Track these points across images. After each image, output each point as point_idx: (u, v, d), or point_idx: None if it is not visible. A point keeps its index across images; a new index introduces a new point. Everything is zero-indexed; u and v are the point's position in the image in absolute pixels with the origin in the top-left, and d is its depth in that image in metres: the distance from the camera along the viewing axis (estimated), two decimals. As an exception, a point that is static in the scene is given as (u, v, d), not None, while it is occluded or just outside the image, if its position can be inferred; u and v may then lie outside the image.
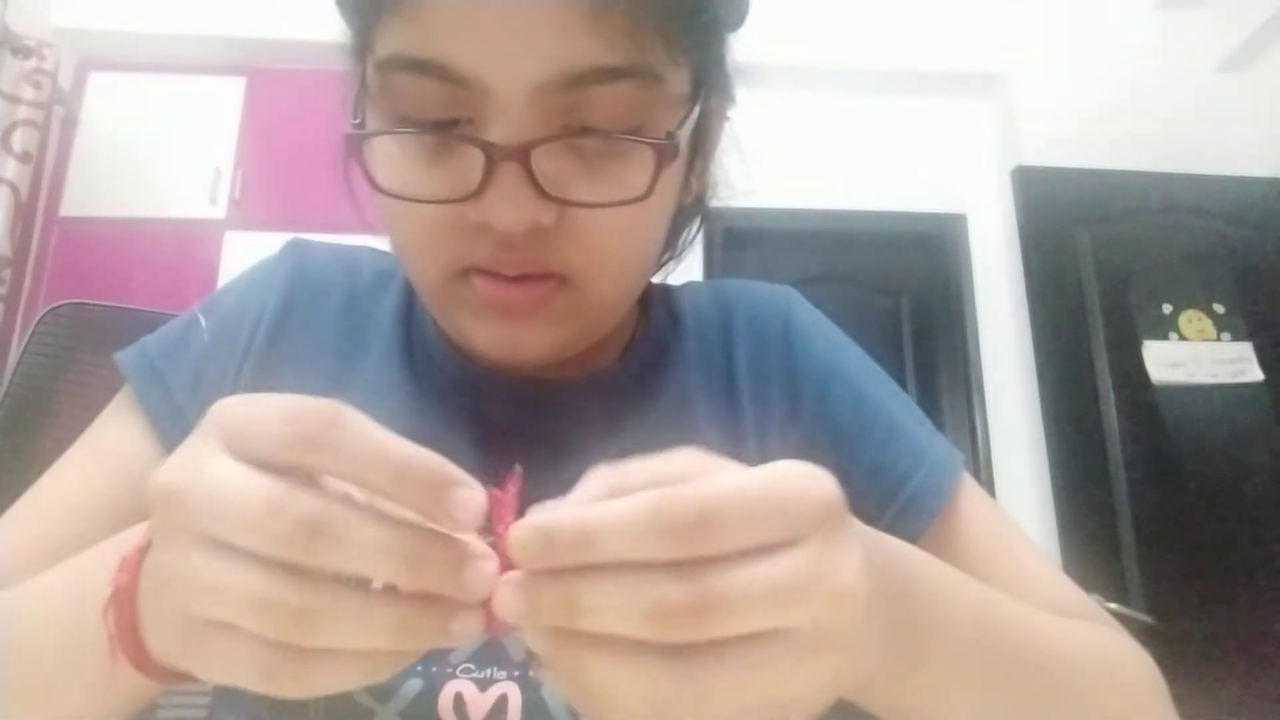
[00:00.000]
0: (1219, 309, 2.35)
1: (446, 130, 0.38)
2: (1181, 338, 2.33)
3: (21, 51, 2.25)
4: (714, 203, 0.55)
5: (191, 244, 2.40)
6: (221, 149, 2.50)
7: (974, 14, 2.67)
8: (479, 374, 0.49)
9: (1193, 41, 2.63)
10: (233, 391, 0.48)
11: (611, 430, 0.49)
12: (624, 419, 0.50)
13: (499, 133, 0.37)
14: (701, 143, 0.47)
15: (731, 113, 0.51)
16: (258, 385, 0.49)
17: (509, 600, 0.24)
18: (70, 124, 2.47)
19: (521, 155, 0.36)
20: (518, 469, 0.27)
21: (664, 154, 0.38)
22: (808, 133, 2.60)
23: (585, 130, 0.38)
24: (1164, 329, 2.33)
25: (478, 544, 0.25)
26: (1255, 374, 2.29)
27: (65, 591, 0.34)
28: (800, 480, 0.25)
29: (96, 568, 0.30)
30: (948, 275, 2.58)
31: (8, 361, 0.68)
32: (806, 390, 0.52)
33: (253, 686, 0.24)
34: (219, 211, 2.44)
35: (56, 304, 0.71)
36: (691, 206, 0.53)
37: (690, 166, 0.47)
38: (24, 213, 2.25)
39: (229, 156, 2.49)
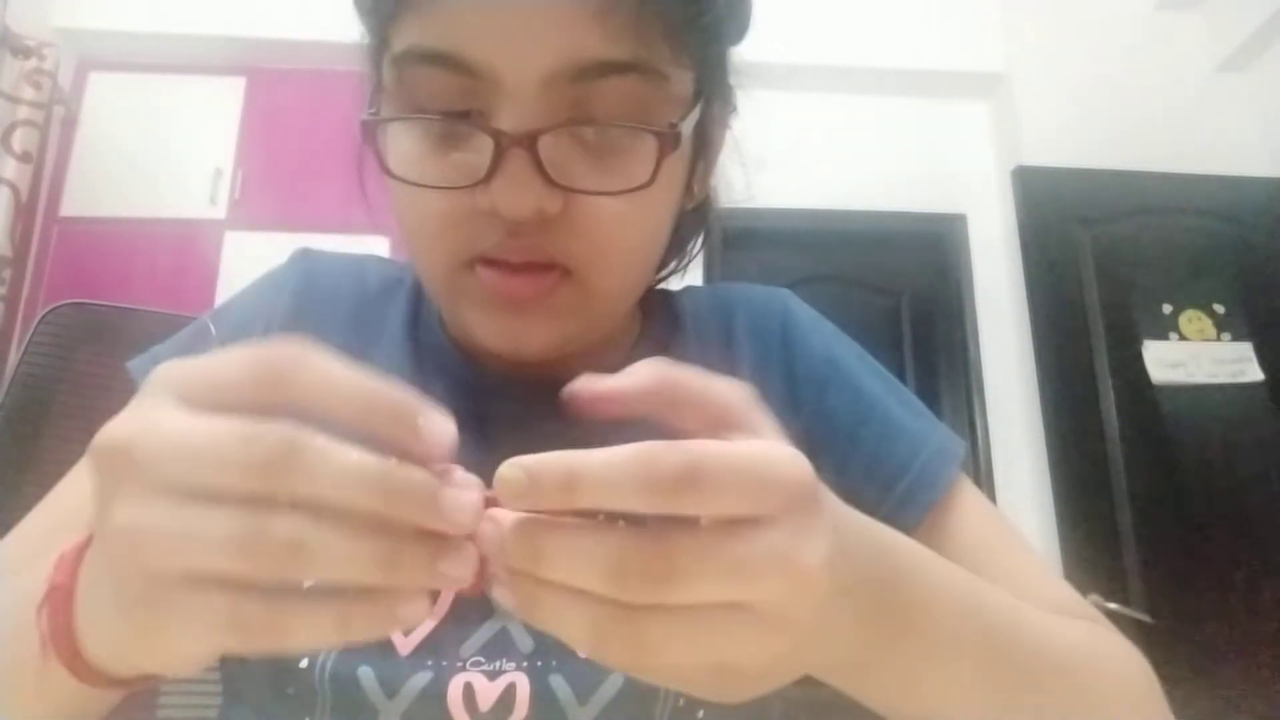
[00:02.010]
0: (1219, 309, 2.35)
1: (458, 120, 0.40)
2: (1181, 338, 2.32)
3: (21, 51, 2.25)
4: (717, 206, 0.55)
5: (191, 244, 2.40)
6: (221, 149, 2.49)
7: (974, 14, 2.67)
8: (485, 375, 0.49)
9: (1193, 41, 2.63)
10: None
11: (617, 427, 0.49)
12: (629, 416, 0.50)
13: (508, 121, 0.38)
14: (703, 148, 0.48)
15: (732, 117, 0.51)
16: None
17: (487, 535, 0.24)
18: (70, 124, 2.47)
19: (529, 142, 0.38)
20: None
21: (666, 142, 0.40)
22: (808, 133, 2.60)
23: (591, 121, 0.39)
24: (1164, 329, 2.33)
25: (461, 473, 0.25)
26: (1255, 374, 2.29)
27: (10, 596, 0.33)
28: (782, 459, 0.25)
29: (39, 573, 0.29)
30: (948, 275, 2.58)
31: (8, 361, 0.68)
32: (805, 385, 0.53)
33: (226, 643, 0.23)
34: (219, 211, 2.44)
35: (57, 304, 0.71)
36: (694, 214, 0.53)
37: (692, 170, 0.48)
38: (24, 213, 2.24)
39: (229, 156, 2.49)
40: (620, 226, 0.42)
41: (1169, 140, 2.49)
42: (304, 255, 0.57)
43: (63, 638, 0.28)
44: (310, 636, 0.23)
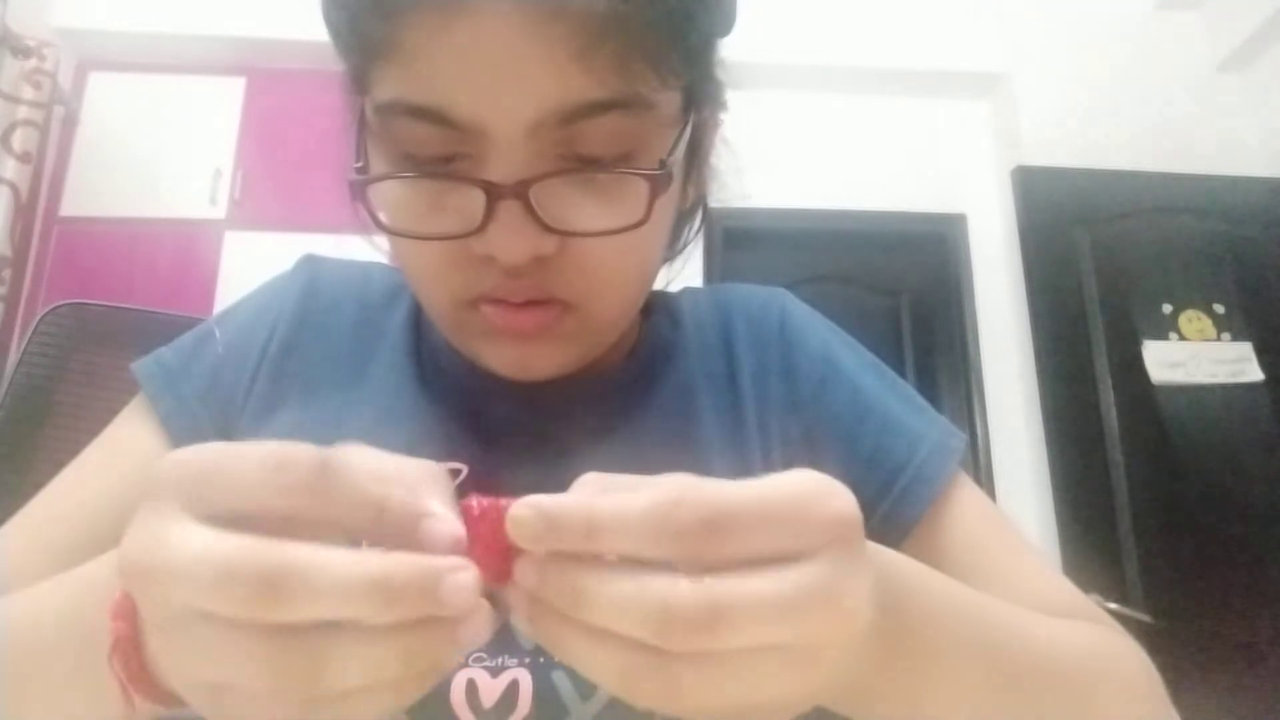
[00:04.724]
0: (1219, 309, 2.35)
1: (449, 165, 0.39)
2: (1181, 338, 2.32)
3: (21, 51, 2.25)
4: (713, 203, 0.55)
5: (191, 244, 2.40)
6: (221, 149, 2.50)
7: (974, 14, 2.67)
8: (486, 377, 0.50)
9: (1193, 41, 2.63)
10: (246, 399, 0.50)
11: (618, 425, 0.51)
12: (630, 414, 0.51)
13: (498, 171, 0.38)
14: (695, 153, 0.48)
15: (730, 114, 0.51)
16: (271, 392, 0.50)
17: (524, 575, 0.24)
18: (70, 124, 2.47)
19: (520, 192, 0.37)
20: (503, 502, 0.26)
21: (658, 183, 0.39)
22: (808, 133, 2.60)
23: (581, 161, 0.39)
24: (1164, 329, 2.33)
25: (449, 559, 0.24)
26: (1255, 374, 2.29)
27: (69, 619, 0.33)
28: (819, 491, 0.25)
29: (95, 602, 0.29)
30: (948, 275, 2.58)
31: (8, 361, 0.68)
32: (804, 383, 0.53)
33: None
34: (219, 211, 2.44)
35: (57, 304, 0.72)
36: (691, 208, 0.53)
37: (686, 176, 0.48)
38: (24, 213, 2.24)
39: (229, 156, 2.49)
40: (617, 260, 0.42)
41: (1169, 140, 2.50)
42: (310, 261, 0.58)
43: (143, 681, 0.28)
44: (369, 711, 0.24)
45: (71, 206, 2.43)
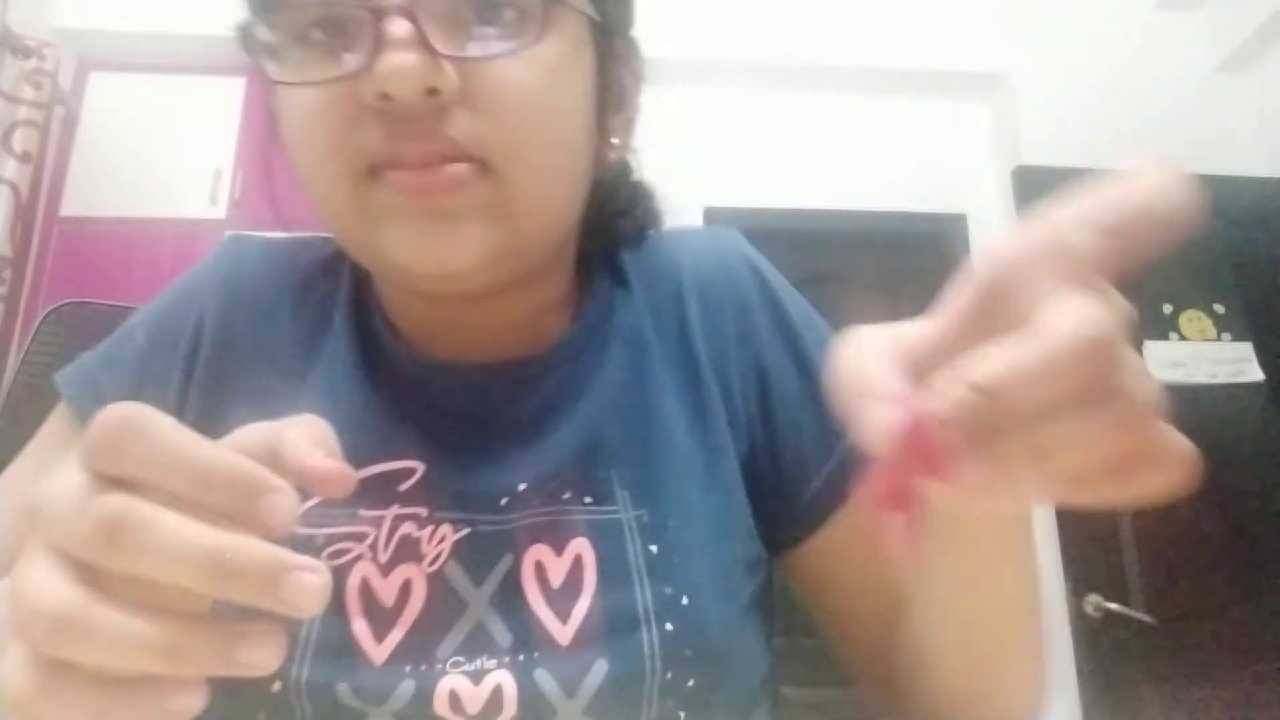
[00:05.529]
0: (1219, 309, 2.35)
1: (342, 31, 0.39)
2: (1181, 338, 2.32)
3: (21, 51, 2.25)
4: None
5: (192, 244, 2.39)
6: (221, 149, 2.50)
7: (974, 14, 2.67)
8: (432, 364, 0.49)
9: (1193, 41, 2.63)
10: (185, 393, 0.49)
11: (568, 403, 0.50)
12: (582, 389, 0.50)
13: None
14: (610, 93, 0.47)
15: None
16: (215, 394, 0.49)
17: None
18: (70, 124, 2.47)
19: (409, 9, 0.36)
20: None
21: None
22: (808, 133, 2.60)
23: None
24: (1164, 329, 2.33)
25: (302, 558, 0.23)
26: (1255, 374, 2.29)
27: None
28: None
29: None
30: (948, 275, 2.55)
31: (8, 362, 0.68)
32: (763, 339, 0.53)
33: (13, 704, 0.23)
34: (219, 211, 2.44)
35: (59, 303, 0.71)
36: (617, 173, 0.53)
37: (601, 113, 0.47)
38: (24, 213, 2.25)
39: (229, 156, 2.49)
40: (522, 97, 0.39)
41: (1169, 140, 2.49)
42: (234, 242, 0.56)
43: None
44: (77, 713, 0.23)
45: (71, 206, 2.43)
